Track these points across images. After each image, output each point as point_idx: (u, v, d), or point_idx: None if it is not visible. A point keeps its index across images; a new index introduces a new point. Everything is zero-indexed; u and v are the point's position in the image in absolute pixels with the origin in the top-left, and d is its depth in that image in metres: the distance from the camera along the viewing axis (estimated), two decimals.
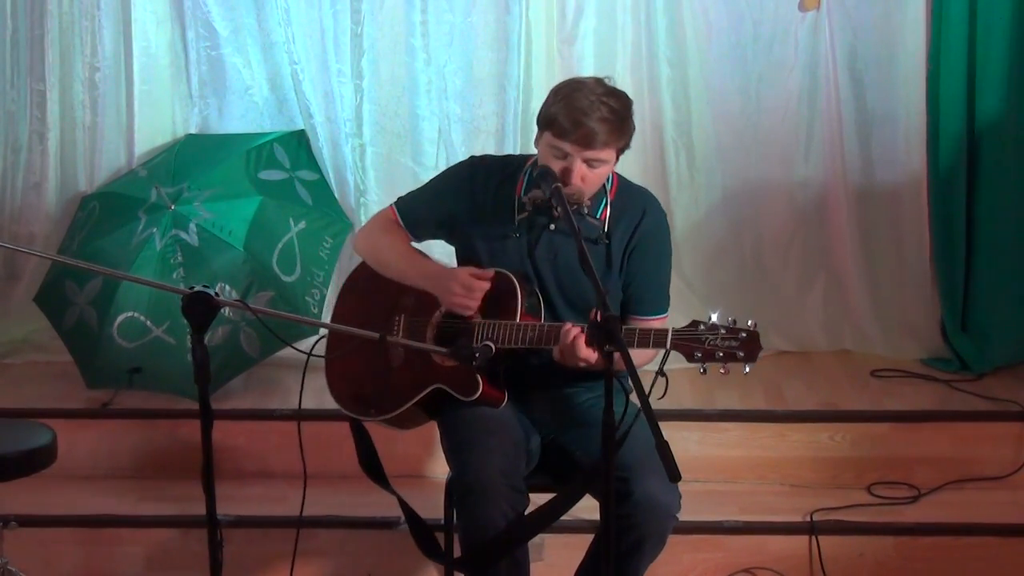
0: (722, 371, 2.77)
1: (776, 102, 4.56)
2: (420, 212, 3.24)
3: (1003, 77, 4.35)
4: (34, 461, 3.27)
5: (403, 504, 3.23)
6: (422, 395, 3.12)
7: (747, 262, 4.68)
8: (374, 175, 4.62)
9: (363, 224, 3.56)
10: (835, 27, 4.46)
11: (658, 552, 3.02)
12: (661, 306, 3.19)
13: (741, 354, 2.74)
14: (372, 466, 3.28)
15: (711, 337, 2.76)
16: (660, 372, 2.62)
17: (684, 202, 4.64)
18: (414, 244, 3.28)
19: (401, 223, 3.24)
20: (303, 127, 4.59)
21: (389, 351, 3.18)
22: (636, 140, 4.52)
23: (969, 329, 4.53)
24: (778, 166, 4.61)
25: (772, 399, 4.23)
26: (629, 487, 2.88)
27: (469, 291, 3.04)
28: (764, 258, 4.68)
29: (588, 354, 2.87)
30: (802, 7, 4.47)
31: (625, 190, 3.17)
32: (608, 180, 3.11)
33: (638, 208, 3.14)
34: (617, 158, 3.04)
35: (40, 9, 4.53)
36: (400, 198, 3.31)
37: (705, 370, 2.79)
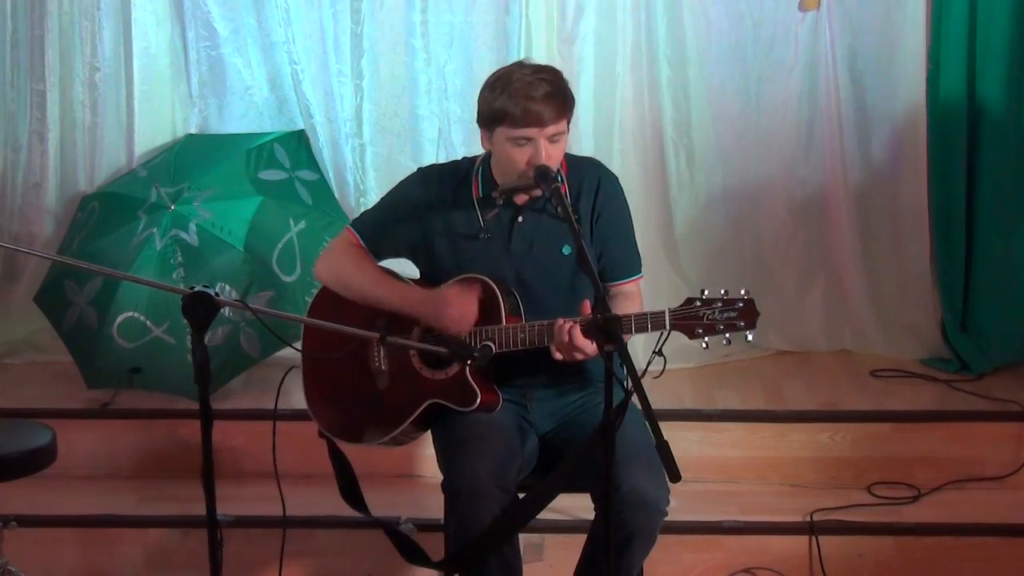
0: (725, 342, 2.80)
1: (776, 102, 4.56)
2: (379, 229, 3.21)
3: (1003, 77, 4.35)
4: (34, 461, 3.28)
5: (385, 526, 3.22)
6: (418, 412, 3.11)
7: (747, 262, 4.68)
8: (374, 175, 4.63)
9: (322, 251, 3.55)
10: (835, 27, 4.46)
11: (648, 548, 3.01)
12: (635, 267, 3.21)
13: (742, 323, 2.78)
14: (352, 495, 3.27)
15: (708, 312, 2.79)
16: (658, 352, 2.63)
17: (684, 202, 4.64)
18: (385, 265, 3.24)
19: (360, 242, 3.21)
20: (303, 127, 4.59)
21: (374, 375, 3.16)
22: (636, 140, 4.59)
23: (969, 329, 4.53)
24: (778, 166, 4.61)
25: (772, 399, 4.23)
26: (617, 482, 2.87)
27: (465, 306, 3.03)
28: (764, 258, 4.68)
29: (585, 344, 2.87)
30: (802, 7, 4.47)
31: (574, 163, 3.21)
32: None
33: (593, 177, 3.18)
34: (568, 127, 3.07)
35: (40, 9, 4.53)
36: (355, 219, 3.29)
37: (708, 344, 2.81)
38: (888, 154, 4.55)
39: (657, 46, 4.52)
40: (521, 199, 3.10)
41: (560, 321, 2.91)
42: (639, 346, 4.33)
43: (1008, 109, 4.36)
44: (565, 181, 3.14)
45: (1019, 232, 4.43)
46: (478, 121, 3.09)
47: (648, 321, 2.84)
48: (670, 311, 2.81)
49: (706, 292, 2.81)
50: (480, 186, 3.14)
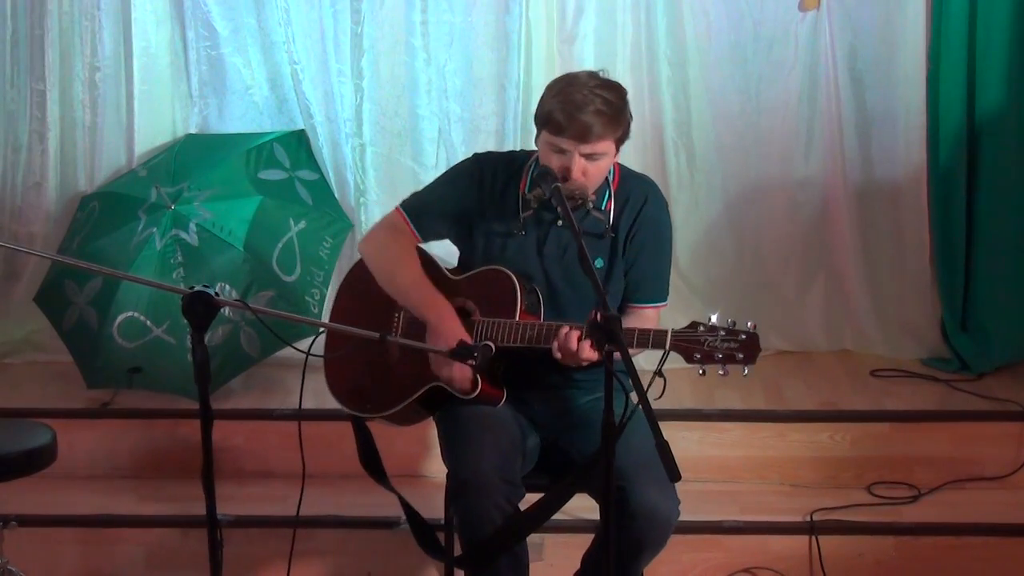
0: (721, 373, 2.78)
1: (776, 102, 4.55)
2: (428, 212, 3.21)
3: (1003, 77, 4.35)
4: (34, 461, 3.27)
5: (403, 502, 3.23)
6: (420, 393, 3.12)
7: (747, 262, 4.68)
8: (374, 175, 4.62)
9: (369, 227, 3.53)
10: (835, 27, 4.46)
11: (655, 555, 3.03)
12: (659, 294, 3.19)
13: (740, 356, 2.75)
14: (372, 464, 3.28)
15: (710, 339, 2.77)
16: (658, 372, 2.61)
17: (684, 202, 4.64)
18: (421, 245, 3.26)
19: (409, 224, 3.20)
20: (303, 127, 4.59)
21: (387, 351, 3.18)
22: (636, 140, 4.54)
23: (969, 329, 4.53)
24: (778, 166, 4.61)
25: (772, 399, 4.23)
26: (626, 495, 2.87)
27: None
28: (764, 258, 4.68)
29: (590, 355, 2.87)
30: (802, 7, 4.47)
31: (627, 179, 3.19)
32: (610, 171, 3.12)
33: (640, 195, 3.16)
34: (617, 149, 3.04)
35: (40, 9, 4.52)
36: (405, 200, 3.27)
37: (704, 372, 2.80)
38: (888, 154, 4.55)
39: (657, 46, 4.51)
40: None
41: (566, 328, 2.91)
42: (640, 356, 4.33)
43: (1008, 109, 4.36)
44: (612, 195, 3.13)
45: (1019, 232, 4.43)
46: (534, 118, 3.07)
47: (650, 338, 2.84)
48: (672, 332, 2.80)
49: (713, 318, 2.79)
50: (528, 183, 3.13)
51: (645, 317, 3.14)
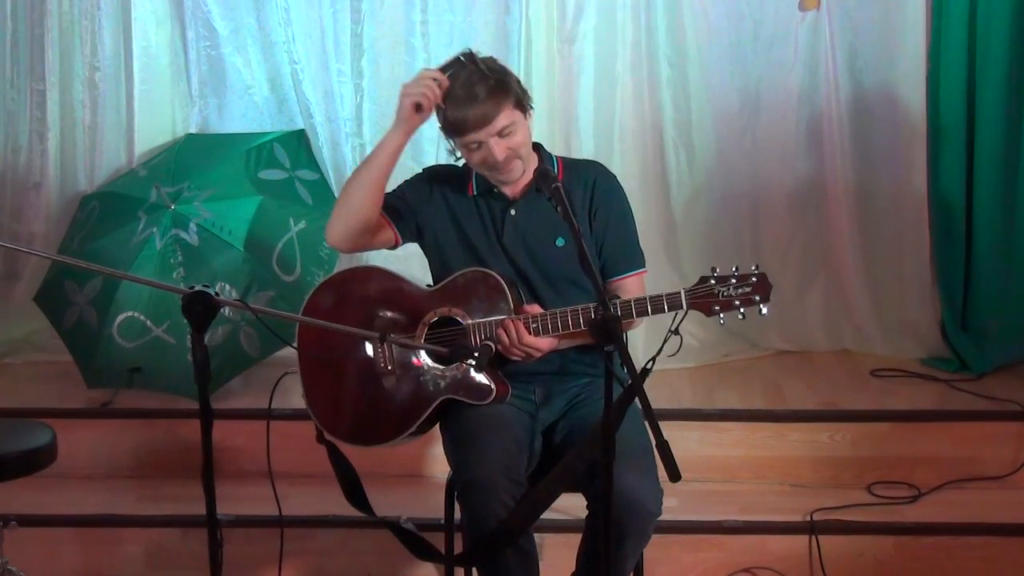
0: (740, 316, 2.85)
1: (776, 102, 4.56)
2: (397, 199, 3.24)
3: (1003, 77, 4.35)
4: (34, 461, 3.27)
5: (392, 527, 3.21)
6: (431, 410, 3.09)
7: (747, 261, 4.64)
8: None
9: None
10: (835, 27, 4.46)
11: (641, 546, 3.02)
12: (635, 262, 3.22)
13: (757, 297, 2.84)
14: (356, 497, 3.25)
15: (724, 289, 2.85)
16: (675, 331, 2.64)
17: (684, 201, 4.64)
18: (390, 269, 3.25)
19: (384, 215, 3.22)
20: (303, 127, 4.60)
21: (379, 375, 3.13)
22: (636, 140, 4.59)
23: (969, 329, 4.53)
24: (778, 166, 4.62)
25: (772, 399, 4.23)
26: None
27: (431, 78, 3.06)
28: (764, 258, 4.67)
29: (536, 342, 2.95)
30: (802, 7, 4.47)
31: (570, 166, 3.25)
32: (553, 164, 3.18)
33: (589, 175, 3.21)
34: (524, 114, 3.09)
35: (40, 9, 4.53)
36: None
37: (724, 320, 2.86)
38: (888, 154, 4.55)
39: (657, 46, 4.52)
40: (512, 191, 3.14)
41: (507, 321, 2.96)
42: (639, 344, 4.34)
43: (1007, 109, 4.36)
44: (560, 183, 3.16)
45: (1018, 232, 4.43)
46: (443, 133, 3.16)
47: (664, 301, 2.87)
48: (685, 291, 2.86)
49: (717, 269, 2.85)
50: (475, 185, 3.19)
51: (629, 288, 3.17)
